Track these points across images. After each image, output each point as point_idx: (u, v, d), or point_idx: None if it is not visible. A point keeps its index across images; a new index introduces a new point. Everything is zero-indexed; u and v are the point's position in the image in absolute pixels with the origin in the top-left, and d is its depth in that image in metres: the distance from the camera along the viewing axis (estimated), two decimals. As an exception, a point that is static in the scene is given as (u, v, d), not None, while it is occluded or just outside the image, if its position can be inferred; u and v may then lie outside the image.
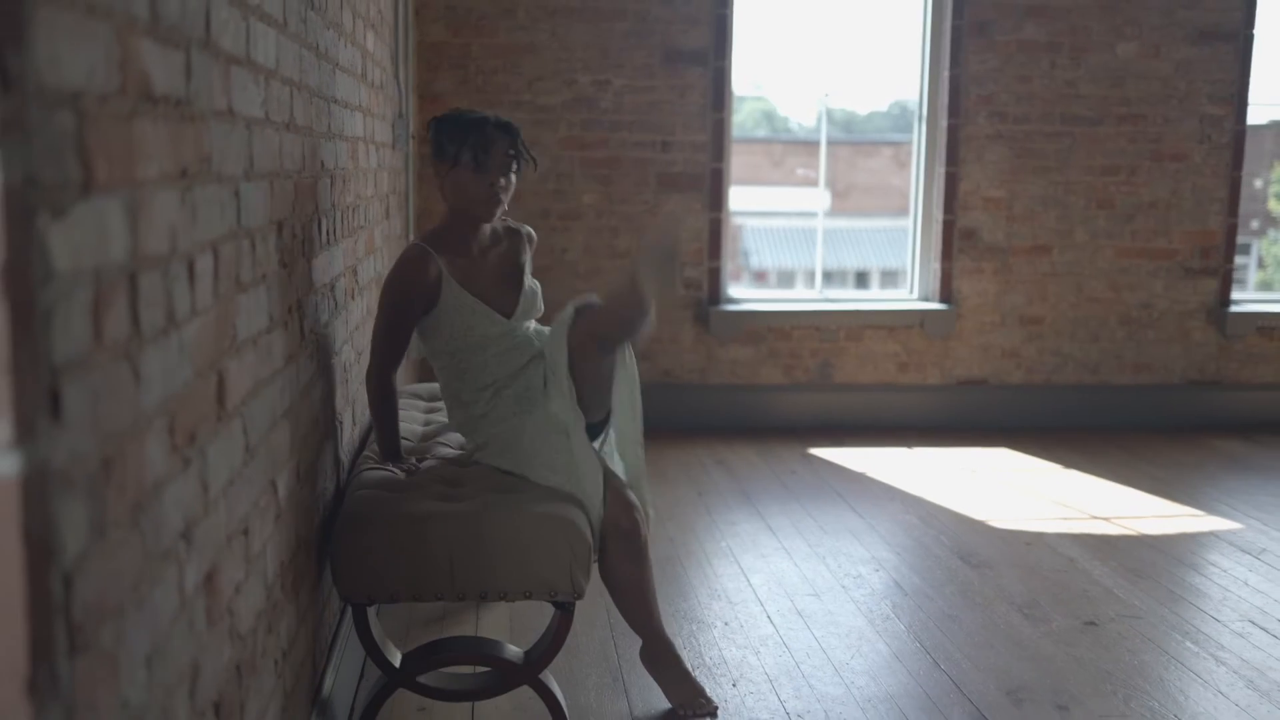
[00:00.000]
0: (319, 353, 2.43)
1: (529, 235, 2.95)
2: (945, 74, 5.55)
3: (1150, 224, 5.73)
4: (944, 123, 5.58)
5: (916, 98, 5.73)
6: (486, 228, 2.82)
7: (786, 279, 24.49)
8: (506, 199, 2.74)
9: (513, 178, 2.74)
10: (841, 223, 25.45)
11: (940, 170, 5.63)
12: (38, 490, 0.95)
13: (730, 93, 5.46)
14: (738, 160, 22.17)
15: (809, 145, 23.99)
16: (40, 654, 0.96)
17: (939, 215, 5.66)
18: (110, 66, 1.13)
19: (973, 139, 5.58)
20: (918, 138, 5.75)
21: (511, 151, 2.71)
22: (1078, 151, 5.63)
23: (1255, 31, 5.63)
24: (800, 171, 21.93)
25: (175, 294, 1.36)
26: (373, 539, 2.33)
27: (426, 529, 2.35)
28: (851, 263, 24.56)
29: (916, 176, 5.78)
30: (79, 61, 1.05)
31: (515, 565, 2.37)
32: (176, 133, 1.36)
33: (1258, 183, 23.43)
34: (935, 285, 5.71)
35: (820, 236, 6.25)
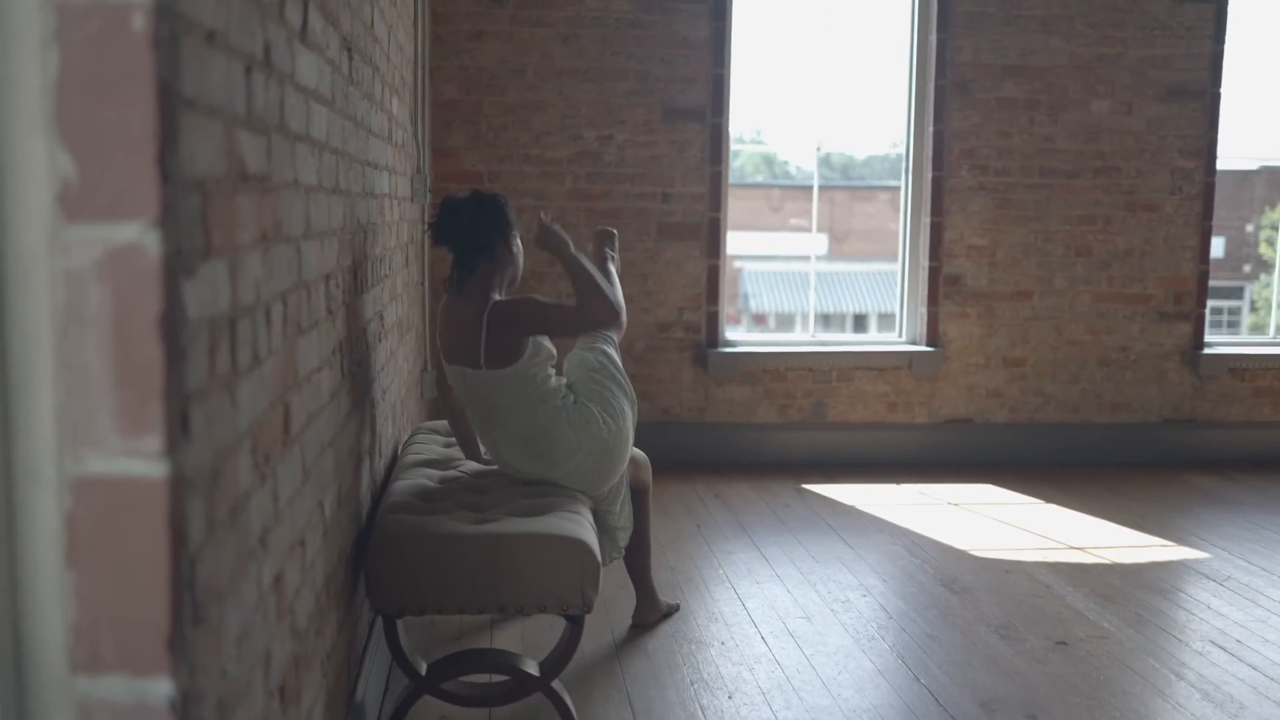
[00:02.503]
0: (355, 389, 2.70)
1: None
2: (930, 129, 5.87)
3: (1126, 271, 6.03)
4: (929, 174, 5.89)
5: (903, 151, 6.05)
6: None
7: (785, 322, 24.79)
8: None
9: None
10: (840, 266, 25.81)
11: (926, 219, 5.93)
12: (177, 491, 1.22)
13: (727, 146, 5.77)
14: (737, 205, 22.41)
15: (807, 190, 24.38)
16: (177, 621, 1.23)
17: (925, 262, 5.96)
18: (221, 155, 1.41)
19: (956, 190, 5.89)
20: (905, 188, 6.06)
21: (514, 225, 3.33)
22: (1056, 202, 5.94)
23: (1221, 90, 5.96)
24: (793, 221, 22.32)
25: (259, 337, 1.64)
26: (404, 556, 2.60)
27: (452, 548, 2.62)
28: (850, 306, 24.89)
29: (904, 225, 6.09)
30: (205, 154, 1.33)
31: (531, 581, 2.63)
32: (259, 204, 1.64)
33: (1249, 227, 23.82)
34: (922, 329, 6.00)
35: (813, 280, 6.55)
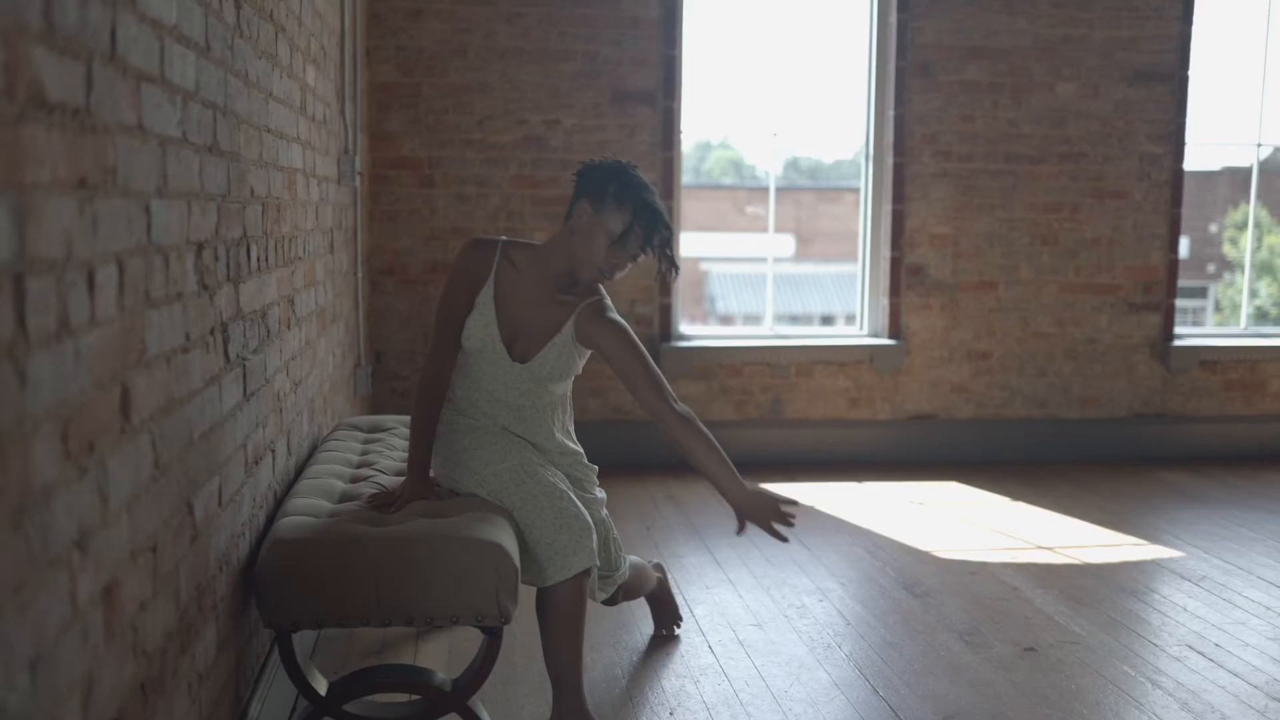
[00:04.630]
0: (246, 378, 2.42)
1: (591, 313, 2.76)
2: (890, 113, 5.64)
3: (1093, 260, 5.82)
4: (890, 161, 5.66)
5: (863, 137, 5.82)
6: (565, 275, 2.75)
7: (753, 323, 24.61)
8: (616, 278, 2.76)
9: (636, 263, 2.77)
10: (807, 268, 25.68)
11: (887, 208, 5.71)
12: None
13: (679, 132, 5.53)
14: (703, 206, 22.18)
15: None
16: (-100, 646, 0.95)
17: (887, 252, 5.73)
18: (-9, 68, 1.14)
19: (918, 177, 5.66)
20: (865, 176, 5.83)
21: (654, 250, 2.70)
22: (1021, 189, 5.73)
23: (1190, 73, 5.76)
24: (749, 209, 22.11)
25: (71, 301, 1.37)
26: (296, 563, 2.32)
27: (351, 553, 2.34)
28: (816, 307, 24.77)
29: (865, 214, 5.86)
30: (-45, 60, 1.06)
31: (441, 589, 2.36)
32: (72, 142, 1.37)
33: (1213, 227, 23.86)
34: (884, 321, 5.77)
35: (771, 278, 6.30)
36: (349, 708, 2.47)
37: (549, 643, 2.65)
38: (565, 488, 2.73)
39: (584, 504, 2.84)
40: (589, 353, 2.84)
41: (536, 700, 2.94)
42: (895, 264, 5.71)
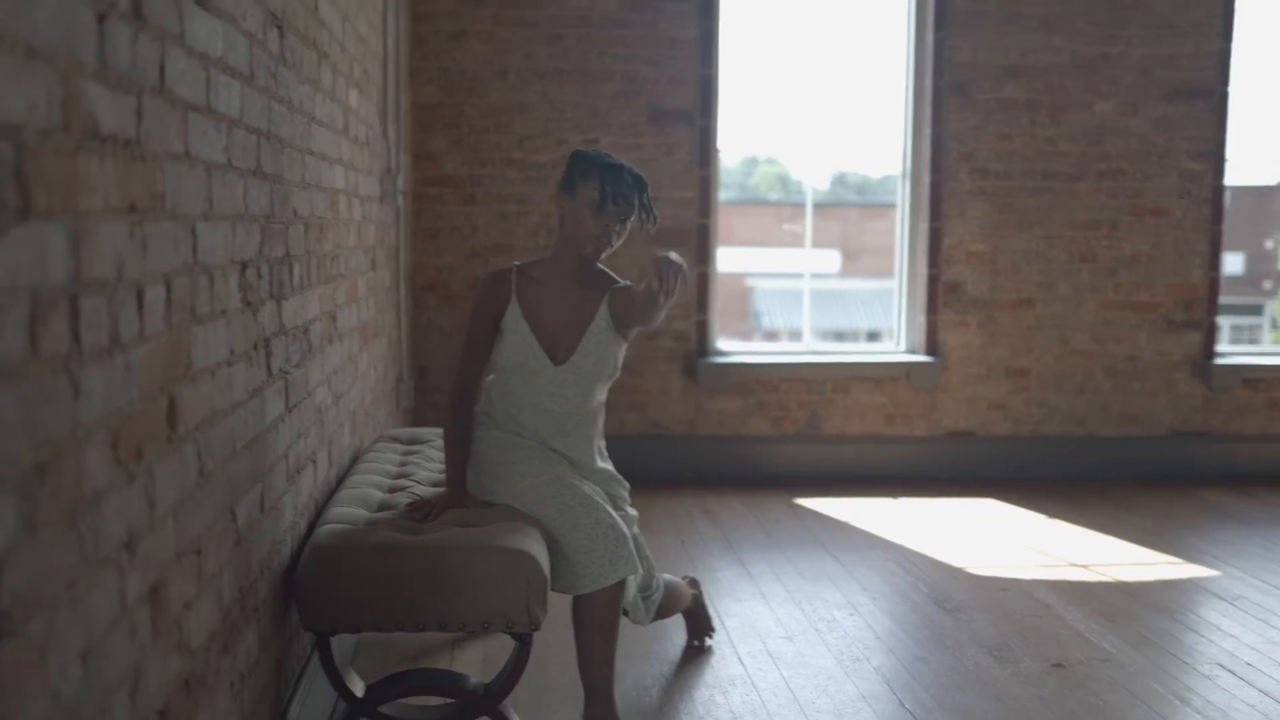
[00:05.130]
0: (289, 391, 2.52)
1: (623, 290, 2.88)
2: (927, 131, 5.68)
3: (1133, 278, 5.81)
4: (927, 179, 5.70)
5: (900, 155, 5.87)
6: (584, 268, 2.89)
7: (797, 339, 24.52)
8: (615, 244, 2.85)
9: (627, 226, 2.84)
10: (853, 283, 25.61)
11: (924, 225, 5.74)
12: (-36, 481, 1.05)
13: (716, 150, 5.60)
14: (748, 222, 22.10)
15: (820, 207, 24.24)
16: (-37, 633, 1.05)
17: (924, 270, 5.76)
18: (49, 104, 1.24)
19: (955, 195, 5.69)
20: (902, 194, 5.88)
21: (635, 202, 2.81)
22: (1059, 207, 5.74)
23: (1231, 89, 5.75)
24: (793, 225, 22.09)
25: (122, 318, 1.46)
26: (335, 569, 2.41)
27: (387, 560, 2.43)
28: (862, 322, 24.67)
29: (902, 231, 5.90)
30: (17, 99, 1.16)
31: (473, 597, 2.45)
32: (124, 170, 1.47)
33: (1269, 243, 23.51)
34: (921, 338, 5.79)
35: (808, 293, 6.35)
36: (385, 709, 2.56)
37: (583, 649, 2.72)
38: (601, 500, 2.82)
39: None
40: (625, 344, 2.95)
41: (568, 707, 3.01)
42: (932, 281, 5.74)
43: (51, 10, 1.25)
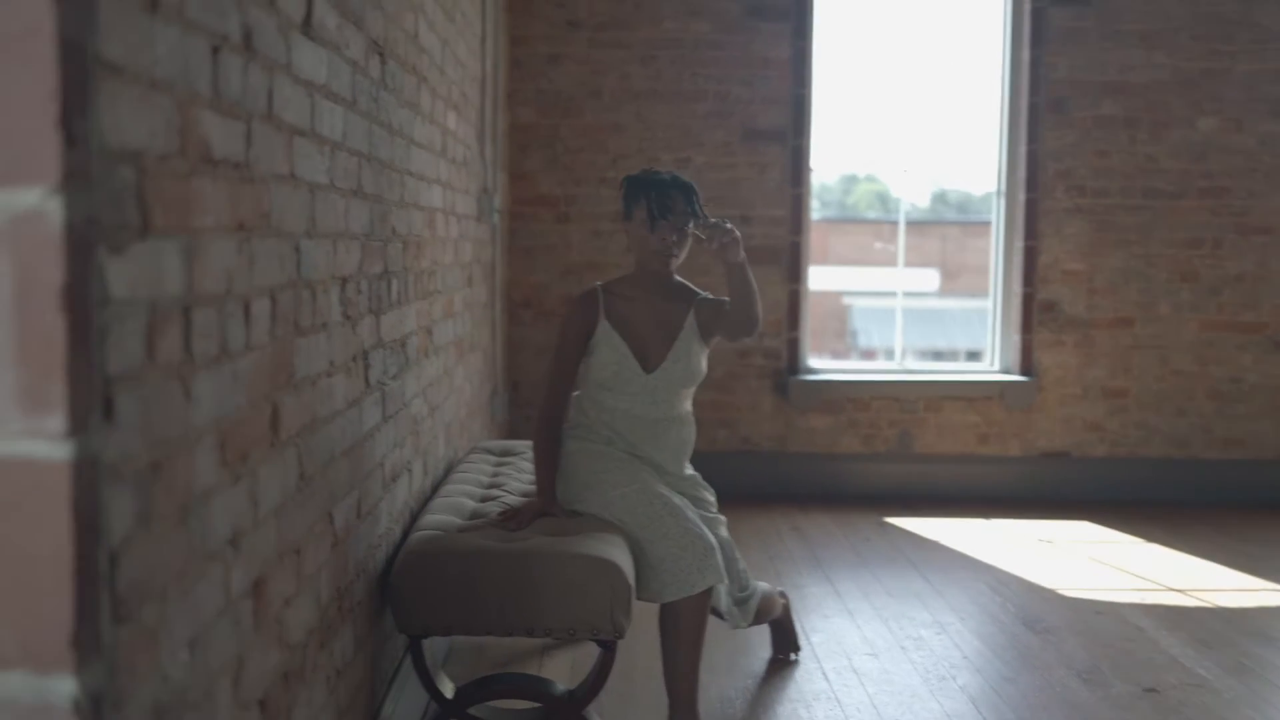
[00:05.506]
0: (385, 402, 2.63)
1: (710, 303, 3.06)
2: (1023, 149, 5.63)
3: (1237, 297, 5.68)
4: (1022, 197, 5.65)
5: (995, 173, 5.82)
6: (663, 282, 3.03)
7: (893, 358, 24.26)
8: (680, 253, 2.98)
9: (687, 232, 2.94)
10: (951, 302, 25.26)
11: (1019, 244, 5.69)
12: (87, 477, 1.14)
13: (808, 170, 5.63)
14: (846, 240, 21.85)
15: (918, 225, 23.99)
16: (85, 615, 1.14)
17: (1019, 288, 5.70)
18: (168, 131, 1.35)
19: (1051, 213, 5.63)
20: (997, 212, 5.83)
21: (686, 208, 2.93)
22: (1159, 225, 5.64)
23: (1342, 104, 5.59)
24: (879, 245, 21.86)
25: (229, 329, 1.57)
26: (428, 573, 2.51)
27: (478, 566, 2.52)
28: (961, 342, 24.30)
29: (996, 250, 5.85)
30: (140, 126, 1.27)
31: (559, 604, 2.52)
32: (233, 191, 1.58)
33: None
34: (1016, 357, 5.73)
35: (900, 311, 6.32)
36: (473, 711, 2.64)
37: (669, 658, 2.77)
38: (689, 509, 2.88)
39: (706, 523, 2.97)
40: (707, 351, 3.08)
41: (652, 717, 3.06)
42: (1027, 300, 5.68)
43: (171, 44, 1.35)
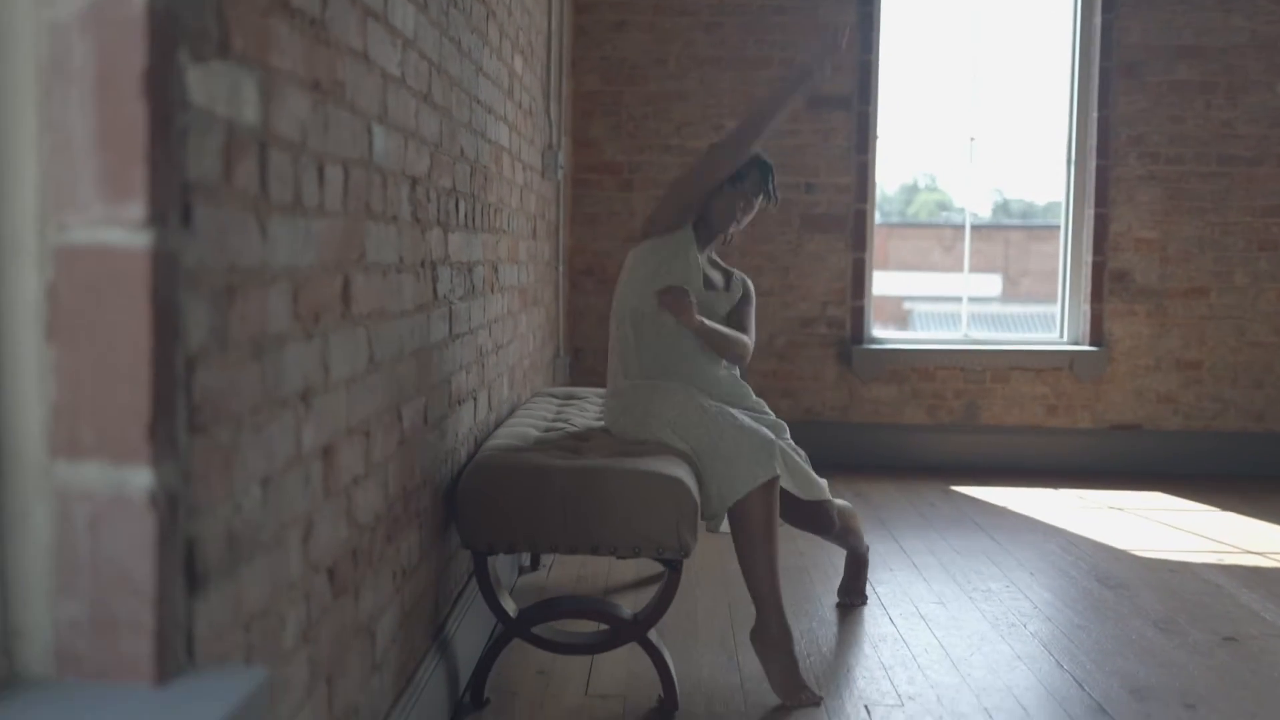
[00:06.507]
0: (452, 320, 2.63)
1: (746, 286, 3.23)
2: (1094, 115, 5.53)
3: (1318, 266, 5.52)
4: (1093, 164, 5.54)
5: (1065, 140, 5.72)
6: (715, 256, 3.19)
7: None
8: (743, 220, 3.09)
9: (755, 203, 3.08)
10: (1014, 308, 24.91)
11: (1089, 211, 5.58)
12: (166, 271, 1.15)
13: (875, 136, 5.57)
14: (907, 245, 21.64)
15: (980, 230, 23.71)
16: (162, 411, 1.15)
17: (1089, 257, 5.59)
18: (248, -42, 1.35)
19: (1123, 180, 5.52)
20: (1066, 179, 5.72)
21: (759, 182, 3.06)
22: (1236, 192, 5.50)
23: None
24: (954, 248, 21.56)
25: (303, 183, 1.57)
26: (494, 487, 2.50)
27: (543, 481, 2.51)
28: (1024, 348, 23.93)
29: (1065, 217, 5.74)
30: (221, -58, 1.27)
31: (624, 521, 2.50)
32: (308, 47, 1.58)
33: None
34: (1085, 327, 5.62)
35: (965, 317, 6.23)
36: (537, 631, 2.62)
37: (746, 560, 2.74)
38: (744, 416, 2.94)
39: (767, 427, 3.08)
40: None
41: (716, 651, 3.02)
42: (1097, 269, 5.57)
43: (250, -124, 1.36)
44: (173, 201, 1.17)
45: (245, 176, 1.36)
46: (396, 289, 2.10)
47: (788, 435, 3.15)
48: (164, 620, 1.15)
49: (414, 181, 2.23)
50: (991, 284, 24.05)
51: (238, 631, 1.36)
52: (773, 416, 3.19)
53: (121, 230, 1.11)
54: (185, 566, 1.21)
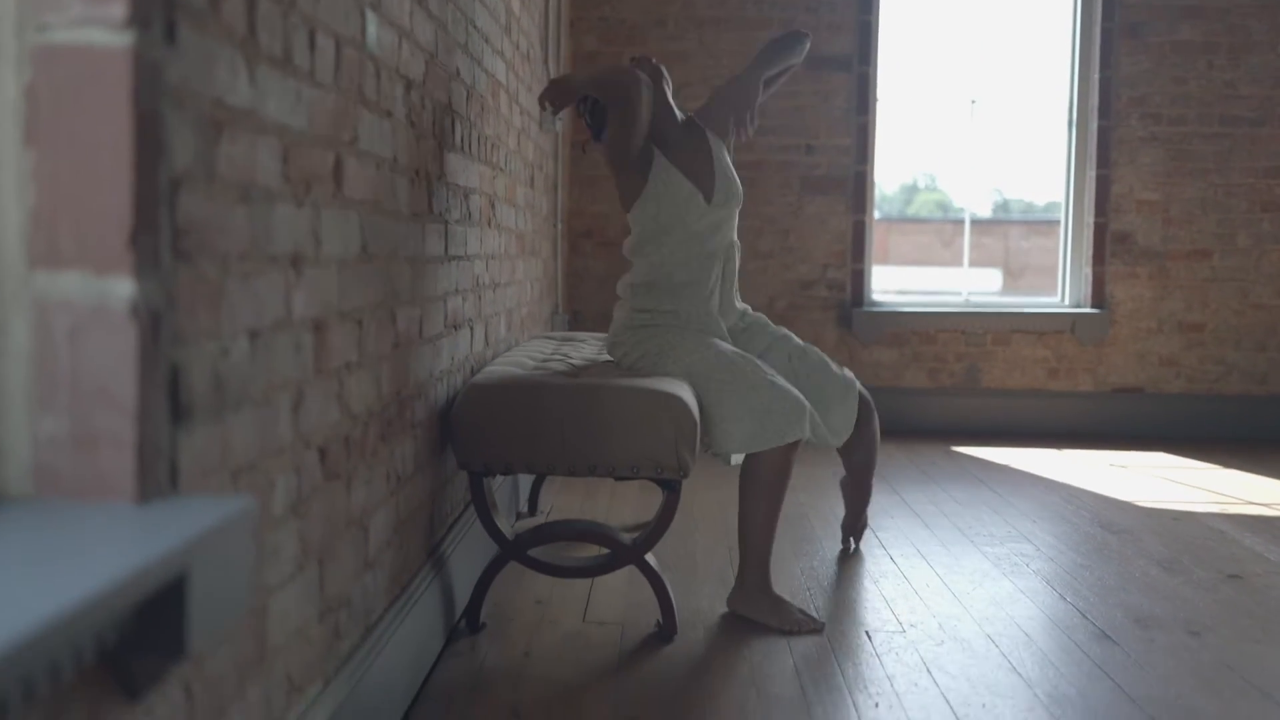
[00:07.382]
0: (448, 239, 2.60)
1: (703, 112, 3.21)
2: (1095, 76, 5.50)
3: (1321, 228, 5.49)
4: (1094, 125, 5.51)
5: (1066, 99, 5.69)
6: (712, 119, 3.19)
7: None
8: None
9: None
10: (1012, 299, 24.90)
11: (1091, 173, 5.55)
12: (149, 75, 1.11)
13: (875, 97, 5.54)
14: (907, 240, 21.57)
15: (980, 224, 23.68)
16: (145, 221, 1.11)
17: (1090, 219, 5.56)
18: None
19: (1125, 141, 5.49)
20: (1068, 141, 5.69)
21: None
22: (1238, 153, 5.47)
23: None
24: (954, 243, 21.44)
25: (292, 41, 1.54)
26: (490, 406, 2.47)
27: (540, 400, 2.47)
28: (1025, 341, 23.91)
29: (1068, 179, 5.71)
30: None
31: (623, 439, 2.46)
32: (300, -98, 1.55)
33: None
34: (1086, 290, 5.59)
35: (965, 300, 6.19)
36: (534, 554, 2.59)
37: (747, 509, 2.70)
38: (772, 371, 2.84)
39: (799, 355, 3.12)
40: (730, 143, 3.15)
41: (715, 584, 2.99)
42: (1099, 231, 5.54)
43: None
44: (156, 11, 1.13)
45: (232, 14, 1.33)
46: (391, 187, 2.07)
47: (816, 351, 3.18)
48: (145, 438, 1.12)
49: (409, 84, 2.19)
50: (992, 279, 24.02)
51: (224, 476, 1.33)
52: (798, 341, 3.18)
53: (102, 29, 1.08)
54: (169, 391, 1.18)
